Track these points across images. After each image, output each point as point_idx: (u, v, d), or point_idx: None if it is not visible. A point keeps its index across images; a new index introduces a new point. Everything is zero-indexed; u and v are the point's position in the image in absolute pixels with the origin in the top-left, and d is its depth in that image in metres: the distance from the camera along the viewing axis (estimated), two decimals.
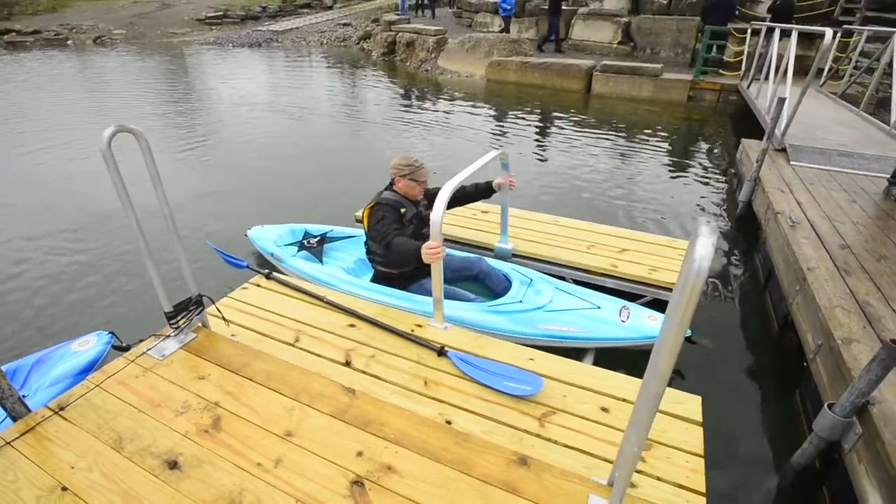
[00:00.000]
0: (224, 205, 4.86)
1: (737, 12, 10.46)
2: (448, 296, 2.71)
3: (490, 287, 2.95)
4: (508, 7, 13.62)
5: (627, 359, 2.59)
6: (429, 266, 2.75)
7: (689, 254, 0.93)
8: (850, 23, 9.99)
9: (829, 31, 4.55)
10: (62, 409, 1.73)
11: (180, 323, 2.07)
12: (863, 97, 7.01)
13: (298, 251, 3.37)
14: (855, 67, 8.01)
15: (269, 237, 3.46)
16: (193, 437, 1.63)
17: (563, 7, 14.02)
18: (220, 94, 10.41)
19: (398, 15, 17.47)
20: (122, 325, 2.92)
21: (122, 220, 4.34)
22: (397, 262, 2.69)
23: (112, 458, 1.55)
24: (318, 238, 3.48)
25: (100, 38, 20.93)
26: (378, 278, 2.88)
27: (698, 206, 5.12)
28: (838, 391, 1.88)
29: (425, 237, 2.72)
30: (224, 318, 2.25)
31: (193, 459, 1.54)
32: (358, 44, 18.76)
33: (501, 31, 13.86)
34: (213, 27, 25.11)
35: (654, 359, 1.09)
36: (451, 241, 3.47)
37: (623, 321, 2.62)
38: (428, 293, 2.68)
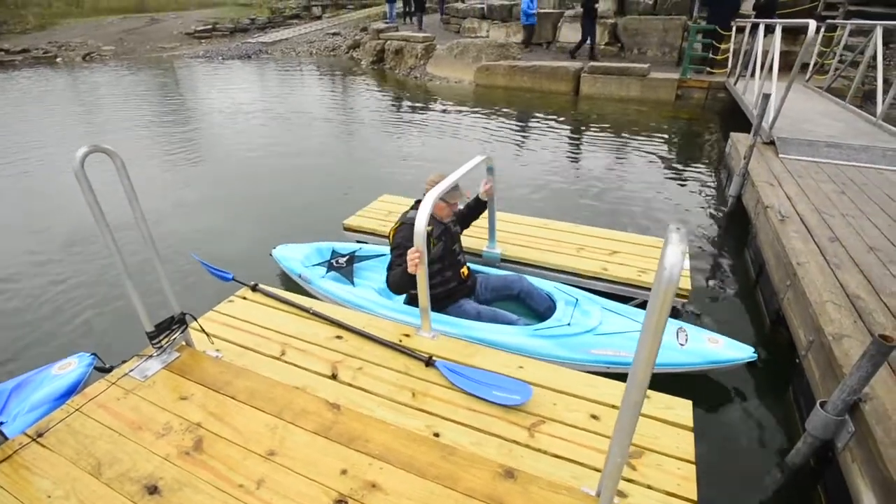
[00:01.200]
0: (214, 216, 4.83)
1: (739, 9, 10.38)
2: (488, 318, 2.62)
3: (532, 307, 2.82)
4: (532, 13, 12.61)
5: (684, 381, 2.37)
6: (467, 285, 2.75)
7: (661, 262, 0.92)
8: (834, 17, 10.08)
9: (811, 23, 4.58)
10: (40, 435, 1.69)
11: (163, 343, 2.04)
12: (849, 90, 7.04)
13: (328, 272, 3.21)
14: (840, 61, 8.06)
15: (296, 257, 3.30)
16: (174, 459, 1.59)
17: (548, 10, 14.12)
18: (210, 105, 10.39)
19: (386, 23, 17.54)
20: (107, 346, 2.89)
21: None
22: (397, 290, 2.56)
23: (90, 484, 1.51)
24: (347, 257, 3.33)
25: (89, 55, 20.92)
26: (411, 300, 2.72)
27: (685, 204, 5.11)
28: (830, 388, 1.86)
29: (456, 253, 2.71)
30: (208, 335, 2.21)
31: (174, 483, 1.51)
32: (347, 53, 18.81)
33: (522, 43, 13.16)
34: (203, 41, 25.16)
35: (633, 367, 1.07)
36: None
37: (682, 344, 2.44)
38: (468, 314, 2.63)
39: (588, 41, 11.73)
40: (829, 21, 9.01)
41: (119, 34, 26.20)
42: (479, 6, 15.73)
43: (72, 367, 2.25)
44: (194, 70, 16.44)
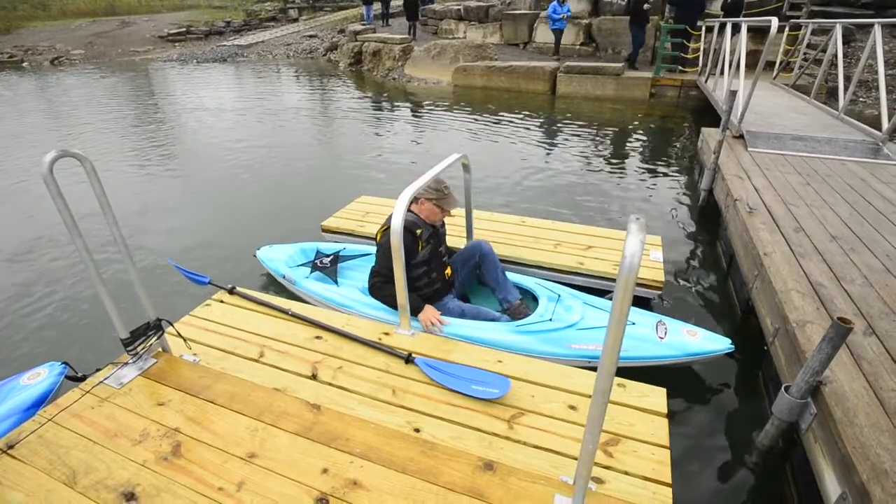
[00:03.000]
0: (191, 219, 4.76)
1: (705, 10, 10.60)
2: (472, 315, 2.66)
3: (486, 278, 2.87)
4: (558, 18, 11.50)
5: (664, 374, 2.38)
6: (450, 283, 2.78)
7: (623, 252, 0.95)
8: (797, 17, 10.40)
9: (774, 21, 4.74)
10: (11, 447, 1.66)
11: (138, 349, 2.01)
12: (813, 87, 7.29)
13: (312, 272, 3.19)
14: (804, 59, 8.33)
15: (280, 258, 3.28)
16: (152, 465, 1.58)
17: (523, 11, 14.21)
18: (186, 109, 10.22)
19: (364, 25, 17.48)
20: (79, 355, 2.83)
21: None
22: (381, 299, 2.61)
23: (64, 494, 1.49)
24: (331, 257, 3.32)
25: (57, 59, 20.37)
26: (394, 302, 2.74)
27: (660, 199, 5.22)
28: (795, 373, 1.93)
29: (441, 255, 2.72)
30: (185, 340, 2.19)
31: (151, 489, 1.49)
32: (325, 55, 18.69)
33: (554, 56, 12.16)
34: (177, 44, 24.71)
35: (602, 355, 1.11)
36: None
37: (661, 338, 2.49)
38: (451, 312, 2.65)
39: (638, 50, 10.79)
40: (792, 20, 9.30)
41: (88, 38, 25.55)
42: (456, 7, 15.80)
43: (42, 376, 2.19)
44: (168, 73, 16.14)
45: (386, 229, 2.53)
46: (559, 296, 2.79)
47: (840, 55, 5.90)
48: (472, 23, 15.05)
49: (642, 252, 0.95)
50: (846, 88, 5.80)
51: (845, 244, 2.93)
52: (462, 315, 2.66)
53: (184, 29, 25.83)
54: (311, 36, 21.56)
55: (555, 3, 11.41)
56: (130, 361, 2.02)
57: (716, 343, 2.47)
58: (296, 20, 26.56)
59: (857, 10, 10.85)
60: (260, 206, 5.11)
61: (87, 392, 1.89)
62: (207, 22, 27.02)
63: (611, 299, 2.92)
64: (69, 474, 1.56)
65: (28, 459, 1.61)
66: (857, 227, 3.18)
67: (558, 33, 12.03)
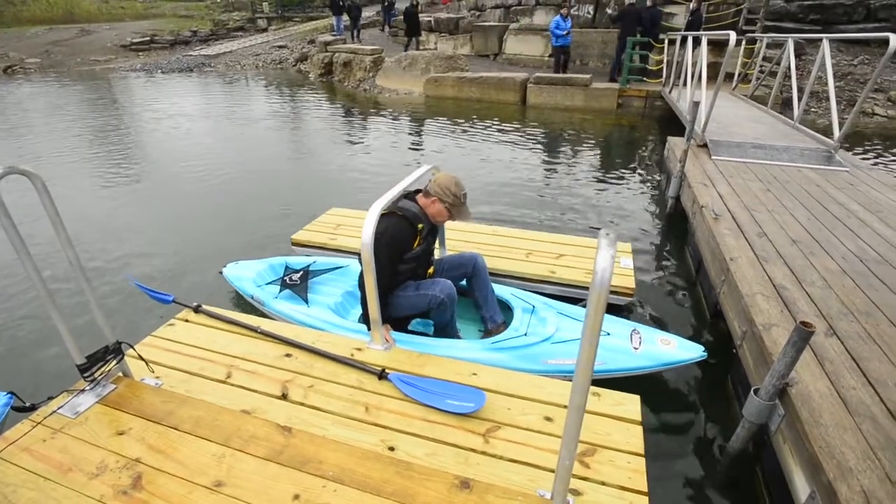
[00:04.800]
0: (153, 236, 4.58)
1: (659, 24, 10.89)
2: (441, 332, 2.64)
3: (476, 293, 2.78)
4: (561, 34, 10.92)
5: (637, 380, 2.46)
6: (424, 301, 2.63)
7: (595, 268, 0.95)
8: (753, 31, 10.90)
9: (732, 35, 4.93)
10: None
11: (96, 375, 1.91)
12: (769, 97, 7.62)
13: (281, 290, 3.05)
14: (760, 71, 8.71)
15: (248, 275, 3.15)
16: (110, 501, 1.48)
17: (493, 24, 14.43)
18: (148, 120, 9.92)
19: (334, 35, 17.42)
20: (26, 384, 2.65)
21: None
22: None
23: None
24: (301, 273, 3.18)
25: (10, 68, 19.55)
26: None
27: (630, 207, 5.34)
28: (763, 375, 1.97)
29: (430, 253, 2.64)
30: (147, 363, 2.09)
31: None
32: (295, 66, 18.53)
33: (556, 71, 11.31)
34: (140, 53, 24.09)
35: (576, 373, 1.10)
36: None
37: (636, 348, 2.49)
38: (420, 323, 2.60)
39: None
40: (748, 35, 9.73)
41: (45, 46, 24.65)
42: (427, 19, 15.93)
43: None
44: (131, 84, 15.69)
45: (386, 213, 2.36)
46: (533, 307, 2.78)
47: (793, 68, 6.20)
48: (443, 34, 15.20)
49: (613, 265, 0.95)
50: (800, 99, 6.08)
51: (805, 248, 3.04)
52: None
53: (148, 38, 25.23)
54: (280, 46, 21.37)
55: (558, 18, 10.93)
56: (87, 388, 1.91)
57: (689, 351, 2.50)
58: (265, 30, 26.28)
59: (806, 26, 11.46)
60: (227, 221, 4.97)
61: (39, 423, 1.78)
62: (173, 31, 26.45)
63: (584, 307, 2.95)
64: None
65: None
66: (815, 231, 3.31)
67: (561, 52, 11.38)
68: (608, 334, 2.59)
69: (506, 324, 2.72)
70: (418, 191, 2.56)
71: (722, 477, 2.13)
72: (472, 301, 2.84)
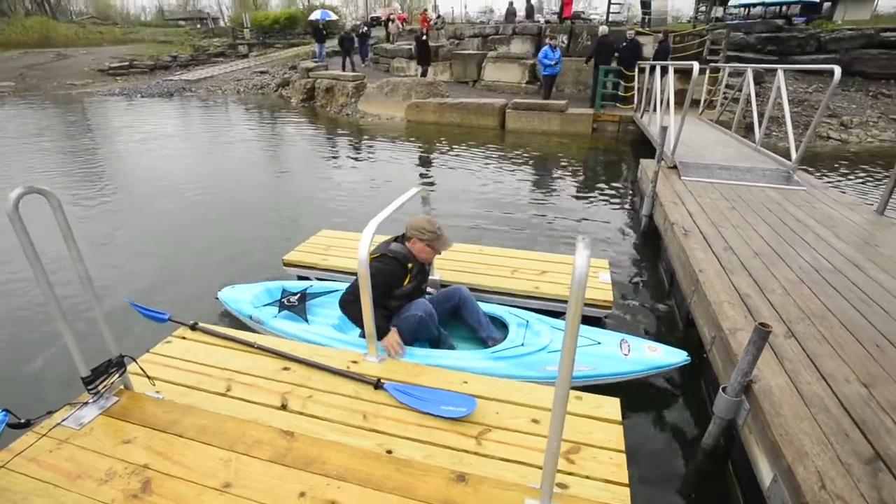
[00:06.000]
0: (141, 261, 4.60)
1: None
2: (441, 345, 2.76)
3: (467, 320, 2.91)
4: (550, 63, 11.38)
5: (618, 385, 2.60)
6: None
7: (574, 267, 1.11)
8: (716, 61, 11.57)
9: (695, 65, 5.31)
10: None
11: (100, 388, 1.97)
12: (733, 122, 8.11)
13: (280, 311, 3.14)
14: (724, 98, 9.26)
15: (245, 298, 3.22)
16: None
17: (472, 52, 14.91)
18: (128, 145, 9.91)
19: (316, 62, 17.73)
20: (21, 401, 2.65)
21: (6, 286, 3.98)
22: (351, 316, 2.58)
23: None
24: (299, 295, 3.27)
25: None
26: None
27: (606, 226, 5.59)
28: (730, 375, 2.15)
29: (421, 291, 2.84)
30: (148, 377, 2.15)
31: None
32: (276, 91, 18.74)
33: (545, 98, 11.66)
34: (119, 78, 24.03)
35: (561, 361, 1.24)
36: None
37: (625, 355, 2.65)
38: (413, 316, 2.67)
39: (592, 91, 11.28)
40: (712, 64, 10.35)
41: (20, 70, 24.40)
42: (407, 46, 16.40)
43: None
44: (110, 108, 15.63)
45: (378, 256, 2.60)
46: (528, 321, 2.93)
47: (753, 95, 6.64)
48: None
49: (589, 266, 1.11)
50: (760, 124, 6.51)
51: (766, 259, 3.28)
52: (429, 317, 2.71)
53: (127, 63, 25.22)
54: (262, 72, 21.61)
55: (546, 48, 11.38)
56: (91, 401, 1.96)
57: (675, 356, 2.68)
58: (245, 56, 26.55)
59: (765, 56, 12.23)
60: (216, 245, 5.00)
61: (44, 435, 1.82)
62: (152, 56, 26.51)
63: (555, 317, 3.11)
64: None
65: None
66: (775, 244, 3.56)
67: (550, 79, 11.78)
68: (599, 343, 2.75)
69: (504, 338, 2.85)
70: (405, 235, 2.75)
71: (697, 470, 2.28)
72: (469, 327, 2.96)
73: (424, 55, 14.27)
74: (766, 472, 1.81)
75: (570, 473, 1.80)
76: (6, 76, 23.24)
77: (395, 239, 2.76)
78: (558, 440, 1.38)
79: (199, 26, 38.27)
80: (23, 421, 2.00)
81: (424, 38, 14.40)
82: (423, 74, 14.45)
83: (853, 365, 2.16)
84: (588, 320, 3.17)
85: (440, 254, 2.80)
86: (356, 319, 2.55)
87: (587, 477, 1.78)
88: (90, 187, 6.95)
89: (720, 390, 2.11)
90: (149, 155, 9.05)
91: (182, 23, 42.14)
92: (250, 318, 3.13)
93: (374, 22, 20.82)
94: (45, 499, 1.57)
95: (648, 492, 2.17)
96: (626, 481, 1.77)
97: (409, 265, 2.65)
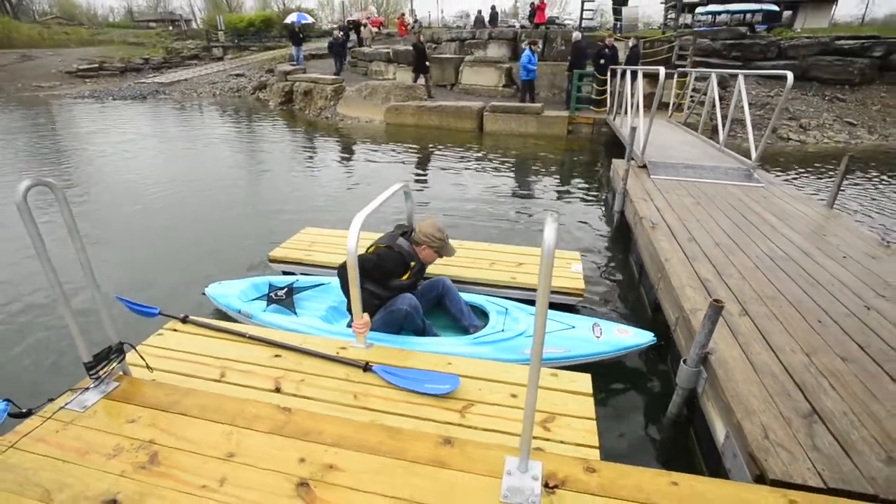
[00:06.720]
0: (126, 260, 4.62)
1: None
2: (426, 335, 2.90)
3: (450, 309, 3.07)
4: (533, 68, 11.93)
5: (600, 366, 2.78)
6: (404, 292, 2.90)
7: (543, 238, 1.28)
8: (684, 66, 12.06)
9: (661, 70, 5.61)
10: None
11: (100, 373, 2.05)
12: (699, 124, 8.50)
13: (268, 305, 3.23)
14: (691, 101, 9.69)
15: (232, 293, 3.30)
16: (131, 475, 1.65)
17: (449, 56, 15.07)
18: (100, 146, 9.77)
19: (293, 65, 17.70)
20: (19, 394, 2.70)
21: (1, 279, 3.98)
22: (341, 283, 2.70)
23: None
24: (286, 289, 3.36)
25: None
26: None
27: (581, 221, 5.84)
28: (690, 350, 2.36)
29: (417, 286, 3.01)
30: (147, 366, 2.24)
31: (134, 495, 1.57)
32: (253, 94, 18.63)
33: (523, 101, 12.06)
34: (88, 80, 23.49)
35: (533, 345, 1.41)
36: None
37: (598, 337, 2.86)
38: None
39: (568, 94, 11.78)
40: (680, 69, 10.80)
41: None
42: (385, 50, 16.52)
43: None
44: (79, 111, 15.29)
45: (385, 247, 2.79)
46: (507, 309, 3.11)
47: (717, 99, 7.01)
48: (402, 65, 15.79)
49: (556, 238, 1.28)
50: (724, 125, 6.88)
51: (726, 249, 3.55)
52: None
53: (96, 65, 24.68)
54: (237, 75, 21.41)
55: (528, 52, 11.68)
56: (92, 386, 2.05)
57: (643, 338, 2.90)
58: (220, 59, 26.23)
59: (729, 62, 12.77)
60: (197, 244, 5.06)
61: (49, 418, 1.90)
62: (123, 58, 25.98)
63: (531, 304, 3.29)
64: (42, 493, 1.59)
65: None
66: (735, 235, 3.84)
67: (528, 85, 12.15)
68: (573, 327, 2.95)
69: (485, 325, 3.02)
70: (412, 229, 2.93)
71: (663, 436, 2.50)
72: (451, 317, 3.12)
73: (422, 63, 13.54)
74: (720, 431, 2.02)
75: (546, 439, 1.98)
76: None
77: (402, 235, 2.91)
78: (533, 398, 1.54)
79: (170, 28, 37.62)
80: (24, 410, 2.07)
81: (423, 44, 13.81)
82: (425, 83, 13.75)
83: (798, 338, 2.40)
84: (562, 307, 3.36)
85: (442, 258, 2.99)
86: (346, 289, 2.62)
87: (561, 441, 1.96)
88: (69, 188, 6.86)
89: (681, 362, 2.32)
90: (125, 157, 8.95)
91: (153, 24, 41.36)
92: (239, 312, 3.21)
93: (350, 25, 20.84)
94: (56, 473, 1.66)
95: (618, 456, 2.36)
96: (597, 444, 1.95)
97: (412, 263, 2.83)
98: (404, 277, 2.83)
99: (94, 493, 1.59)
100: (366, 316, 2.55)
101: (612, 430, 2.52)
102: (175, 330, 2.76)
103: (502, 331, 2.88)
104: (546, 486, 1.61)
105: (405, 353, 2.55)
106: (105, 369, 2.07)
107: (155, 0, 51.55)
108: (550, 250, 1.27)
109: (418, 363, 2.45)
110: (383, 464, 1.69)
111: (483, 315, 3.18)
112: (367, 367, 2.37)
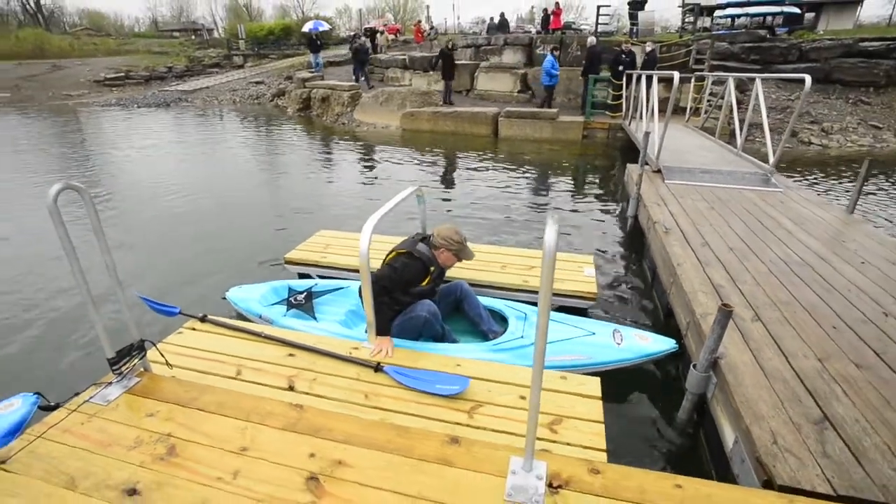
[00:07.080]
0: (144, 263, 4.77)
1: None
2: (444, 340, 2.90)
3: (468, 313, 3.08)
4: (556, 73, 11.79)
5: (612, 372, 2.74)
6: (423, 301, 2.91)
7: (544, 238, 1.32)
8: (702, 70, 11.93)
9: (675, 75, 5.58)
10: (3, 462, 1.74)
11: (122, 369, 2.14)
12: (717, 128, 8.40)
13: (288, 310, 3.26)
14: (709, 105, 9.59)
15: (253, 297, 3.35)
16: (149, 465, 1.72)
17: (465, 62, 15.16)
18: (127, 152, 10.08)
19: (311, 72, 18.01)
20: (46, 388, 2.83)
21: (29, 281, 4.14)
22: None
23: (66, 497, 1.60)
24: (305, 294, 3.38)
25: None
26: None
27: (595, 226, 5.82)
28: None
29: (436, 291, 3.02)
30: (167, 363, 2.33)
31: (153, 484, 1.64)
32: (272, 101, 18.99)
33: (542, 107, 11.94)
34: (115, 88, 24.21)
35: (536, 345, 1.44)
36: None
37: (619, 344, 2.78)
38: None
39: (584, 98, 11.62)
40: (697, 73, 10.70)
41: (15, 81, 24.54)
42: (401, 57, 16.71)
43: (15, 406, 2.23)
44: (106, 118, 15.79)
45: (405, 252, 2.77)
46: (525, 315, 3.07)
47: (734, 103, 6.94)
48: (417, 71, 15.95)
49: (557, 238, 1.31)
50: (741, 130, 6.80)
51: (740, 254, 3.51)
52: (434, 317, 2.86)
53: (122, 73, 25.41)
54: (257, 82, 21.86)
55: (551, 58, 11.54)
56: (115, 381, 2.14)
57: (664, 344, 2.84)
58: (241, 66, 26.79)
59: (748, 65, 12.59)
60: (218, 247, 5.19)
61: (74, 411, 1.99)
62: (147, 67, 26.71)
63: (558, 311, 3.30)
64: (68, 480, 1.67)
65: (23, 472, 1.71)
66: (749, 240, 3.80)
67: (551, 89, 12.02)
68: (593, 334, 2.89)
69: (504, 331, 3.00)
70: (430, 235, 2.95)
71: (672, 440, 2.49)
72: (470, 321, 3.13)
73: (449, 70, 13.19)
74: (729, 436, 2.01)
75: (554, 441, 1.99)
76: (1, 87, 23.37)
77: (422, 240, 2.92)
78: (537, 398, 1.56)
79: (193, 37, 38.58)
80: (52, 404, 2.17)
81: (451, 50, 13.42)
82: (447, 90, 13.52)
83: (811, 343, 2.37)
84: (574, 311, 3.37)
85: (460, 261, 2.99)
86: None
87: (568, 444, 1.98)
88: (97, 194, 7.10)
89: (691, 367, 2.32)
90: (149, 162, 9.22)
91: (176, 34, 42.46)
92: (259, 317, 3.25)
93: (368, 32, 21.14)
94: (81, 462, 1.75)
95: (626, 460, 2.36)
96: (604, 447, 1.96)
97: (432, 268, 2.84)
98: (424, 283, 2.84)
99: (116, 481, 1.66)
100: (387, 340, 2.62)
101: (621, 434, 2.51)
102: (194, 329, 2.85)
103: (521, 337, 2.84)
104: (550, 485, 1.63)
105: (416, 353, 2.60)
106: (127, 365, 2.16)
107: (178, 10, 53.03)
108: (552, 251, 1.30)
109: (429, 364, 2.49)
110: (391, 461, 1.73)
111: (501, 320, 3.18)
112: (378, 368, 2.42)
